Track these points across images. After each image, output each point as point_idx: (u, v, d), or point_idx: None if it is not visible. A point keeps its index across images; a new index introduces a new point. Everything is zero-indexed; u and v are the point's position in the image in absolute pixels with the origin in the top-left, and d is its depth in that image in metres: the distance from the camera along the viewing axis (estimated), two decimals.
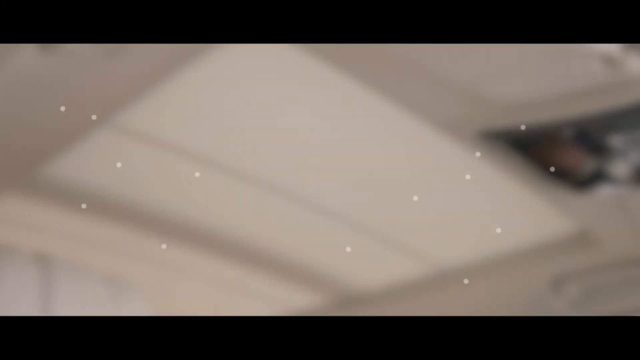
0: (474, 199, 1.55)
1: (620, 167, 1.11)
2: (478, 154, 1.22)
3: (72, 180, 1.46)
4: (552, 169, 1.17)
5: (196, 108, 1.29)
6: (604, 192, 1.24)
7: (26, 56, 0.97)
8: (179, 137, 1.36)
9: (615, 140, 1.03)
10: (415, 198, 1.58)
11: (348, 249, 1.75)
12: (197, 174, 1.46)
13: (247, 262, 1.85)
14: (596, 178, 1.18)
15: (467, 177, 1.41)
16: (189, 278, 1.92)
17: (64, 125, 1.18)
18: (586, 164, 1.14)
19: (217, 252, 1.79)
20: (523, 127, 1.06)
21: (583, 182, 1.21)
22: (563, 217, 1.51)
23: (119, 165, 1.38)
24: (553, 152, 1.13)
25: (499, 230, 1.67)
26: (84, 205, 1.53)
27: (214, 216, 1.65)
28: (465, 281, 1.78)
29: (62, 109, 1.12)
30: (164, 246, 1.70)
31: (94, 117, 1.17)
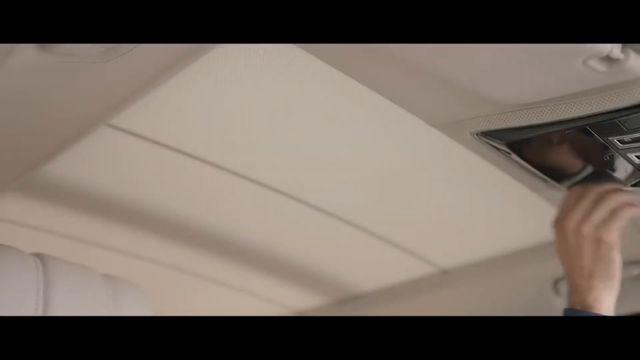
0: (473, 199, 1.55)
1: (620, 167, 1.11)
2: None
3: (72, 180, 1.46)
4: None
5: (198, 108, 1.29)
6: None
7: (26, 56, 0.97)
8: (182, 138, 1.36)
9: (615, 140, 1.02)
10: (416, 203, 1.59)
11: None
12: (198, 175, 1.46)
13: (248, 263, 1.85)
14: (596, 178, 1.18)
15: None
16: (189, 278, 1.92)
17: (64, 125, 1.18)
18: (586, 164, 1.14)
19: (218, 253, 1.79)
20: None
21: (583, 182, 1.21)
22: None
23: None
24: (553, 152, 1.13)
25: (498, 230, 1.67)
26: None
27: (215, 217, 1.65)
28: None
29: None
30: None
31: (94, 117, 1.17)
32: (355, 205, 1.61)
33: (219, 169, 1.45)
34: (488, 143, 1.14)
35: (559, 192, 1.29)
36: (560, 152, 1.12)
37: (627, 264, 1.58)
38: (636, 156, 1.06)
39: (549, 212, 1.46)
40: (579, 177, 1.20)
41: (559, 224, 1.22)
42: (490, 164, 1.25)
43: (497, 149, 1.15)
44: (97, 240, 1.70)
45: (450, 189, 1.54)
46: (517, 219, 1.61)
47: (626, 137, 1.01)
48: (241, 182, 1.49)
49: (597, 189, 1.17)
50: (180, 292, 2.01)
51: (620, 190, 1.17)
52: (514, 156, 1.16)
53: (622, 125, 0.99)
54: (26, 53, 0.96)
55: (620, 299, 1.63)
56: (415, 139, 1.38)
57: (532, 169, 1.20)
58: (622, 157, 1.06)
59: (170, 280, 1.92)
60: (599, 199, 1.17)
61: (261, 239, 1.75)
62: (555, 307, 1.70)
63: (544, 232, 1.63)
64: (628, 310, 1.63)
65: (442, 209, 1.62)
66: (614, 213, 1.17)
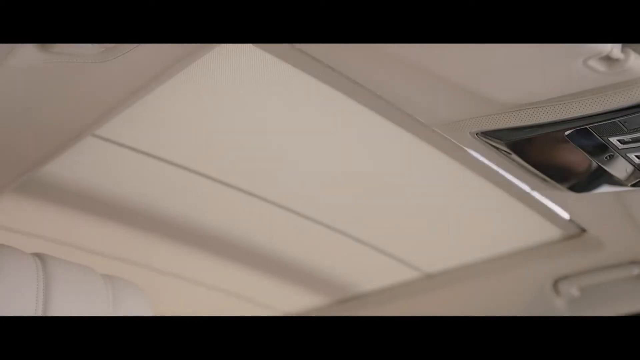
0: (474, 199, 1.55)
1: (620, 167, 1.11)
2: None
3: (72, 180, 1.46)
4: None
5: (197, 109, 1.29)
6: (604, 192, 1.24)
7: (26, 56, 0.97)
8: (181, 138, 1.36)
9: (615, 140, 1.02)
10: (407, 212, 1.60)
11: None
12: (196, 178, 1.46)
13: (249, 265, 1.86)
14: (596, 178, 1.18)
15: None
16: (189, 279, 1.92)
17: (64, 125, 1.18)
18: (586, 164, 1.14)
19: (221, 256, 1.80)
20: None
21: (583, 182, 1.21)
22: (563, 217, 1.52)
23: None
24: (552, 152, 1.13)
25: (499, 230, 1.68)
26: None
27: (221, 222, 1.65)
28: None
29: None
30: None
31: (94, 117, 1.17)
32: (352, 215, 1.63)
33: (225, 185, 1.47)
34: (488, 143, 1.14)
35: (559, 192, 1.29)
36: (560, 152, 1.12)
37: (627, 264, 1.58)
38: (636, 156, 1.06)
39: (549, 212, 1.46)
40: (579, 177, 1.20)
41: None
42: (490, 164, 1.25)
43: (497, 149, 1.15)
44: (96, 240, 1.70)
45: (451, 191, 1.54)
46: (517, 219, 1.61)
47: (626, 137, 1.01)
48: (247, 197, 1.51)
49: None
50: (181, 293, 2.01)
51: None
52: (514, 156, 1.16)
53: (622, 125, 0.99)
54: (26, 53, 0.96)
55: (620, 299, 1.63)
56: (400, 153, 1.40)
57: (532, 169, 1.20)
58: (622, 157, 1.06)
59: (170, 282, 1.92)
60: None
61: (262, 244, 1.75)
62: (555, 307, 1.71)
63: (544, 232, 1.64)
64: (628, 310, 1.63)
65: (442, 210, 1.62)
66: None
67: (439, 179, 1.50)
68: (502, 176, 1.36)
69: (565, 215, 1.49)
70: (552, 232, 1.64)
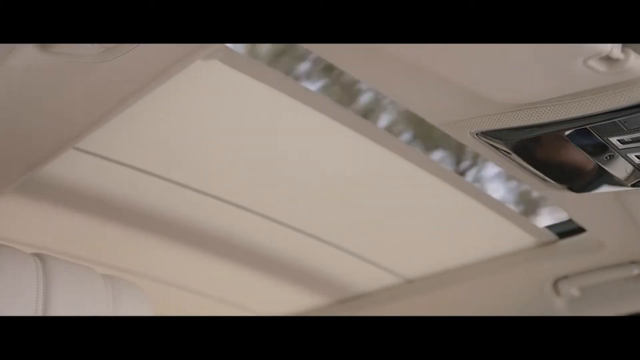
0: (474, 200, 1.55)
1: (620, 167, 1.11)
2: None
3: (71, 180, 1.46)
4: None
5: (197, 109, 1.29)
6: (603, 192, 1.24)
7: (26, 56, 0.97)
8: (179, 138, 1.36)
9: (615, 140, 1.02)
10: (419, 199, 1.60)
11: None
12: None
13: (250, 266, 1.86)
14: (596, 178, 1.18)
15: None
16: (191, 278, 1.92)
17: (64, 125, 1.18)
18: (586, 164, 1.14)
19: (226, 256, 1.81)
20: None
21: (583, 182, 1.21)
22: (562, 218, 1.52)
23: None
24: (553, 152, 1.13)
25: (499, 229, 1.68)
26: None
27: (214, 219, 1.65)
28: None
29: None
30: None
31: (94, 117, 1.17)
32: (343, 227, 1.65)
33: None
34: (488, 143, 1.14)
35: (559, 192, 1.29)
36: (560, 152, 1.12)
37: (627, 264, 1.58)
38: (636, 156, 1.06)
39: (549, 212, 1.46)
40: (579, 177, 1.20)
41: None
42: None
43: (497, 149, 1.15)
44: (96, 240, 1.70)
45: (451, 191, 1.54)
46: (517, 218, 1.61)
47: (626, 137, 1.01)
48: (241, 210, 1.52)
49: None
50: (178, 293, 2.01)
51: None
52: (514, 156, 1.16)
53: (622, 125, 0.99)
54: (26, 53, 0.96)
55: (620, 299, 1.63)
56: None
57: (532, 169, 1.20)
58: (622, 157, 1.06)
59: (169, 282, 1.92)
60: None
61: (262, 244, 1.76)
62: (555, 307, 1.71)
63: (544, 232, 1.64)
64: (628, 310, 1.63)
65: (442, 210, 1.62)
66: None
67: (439, 178, 1.50)
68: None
69: (565, 215, 1.49)
70: (552, 232, 1.64)
